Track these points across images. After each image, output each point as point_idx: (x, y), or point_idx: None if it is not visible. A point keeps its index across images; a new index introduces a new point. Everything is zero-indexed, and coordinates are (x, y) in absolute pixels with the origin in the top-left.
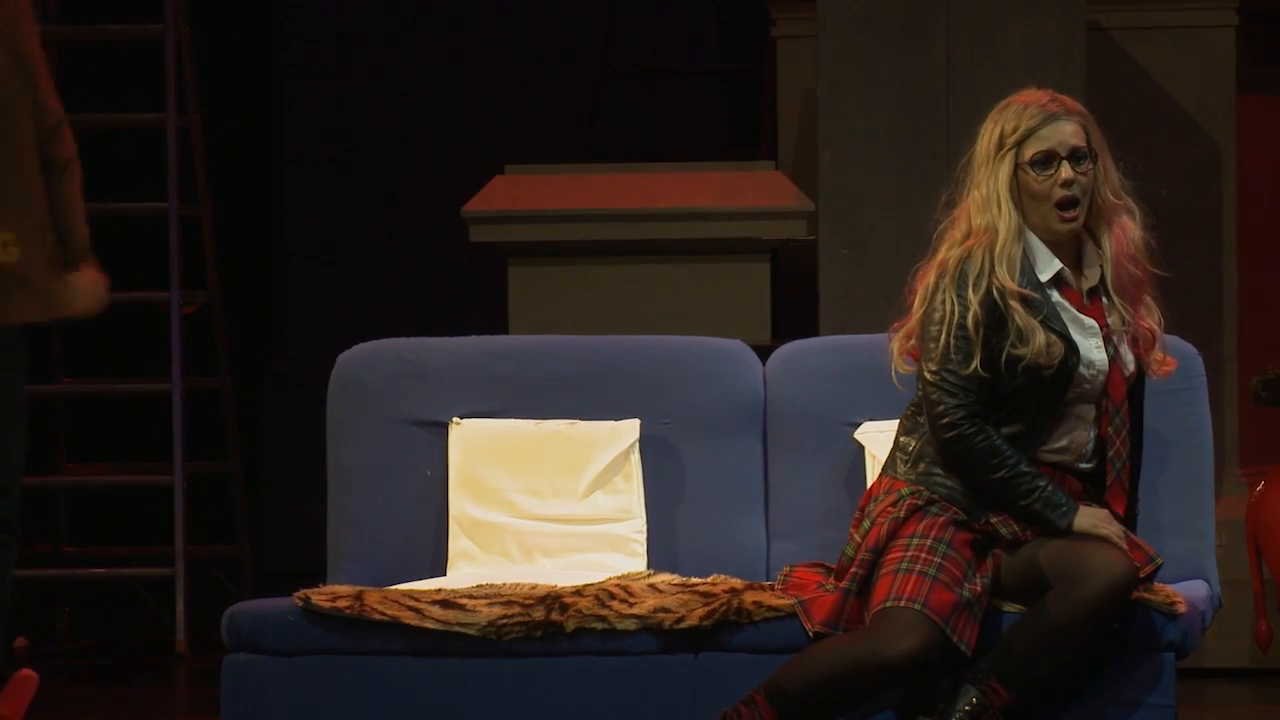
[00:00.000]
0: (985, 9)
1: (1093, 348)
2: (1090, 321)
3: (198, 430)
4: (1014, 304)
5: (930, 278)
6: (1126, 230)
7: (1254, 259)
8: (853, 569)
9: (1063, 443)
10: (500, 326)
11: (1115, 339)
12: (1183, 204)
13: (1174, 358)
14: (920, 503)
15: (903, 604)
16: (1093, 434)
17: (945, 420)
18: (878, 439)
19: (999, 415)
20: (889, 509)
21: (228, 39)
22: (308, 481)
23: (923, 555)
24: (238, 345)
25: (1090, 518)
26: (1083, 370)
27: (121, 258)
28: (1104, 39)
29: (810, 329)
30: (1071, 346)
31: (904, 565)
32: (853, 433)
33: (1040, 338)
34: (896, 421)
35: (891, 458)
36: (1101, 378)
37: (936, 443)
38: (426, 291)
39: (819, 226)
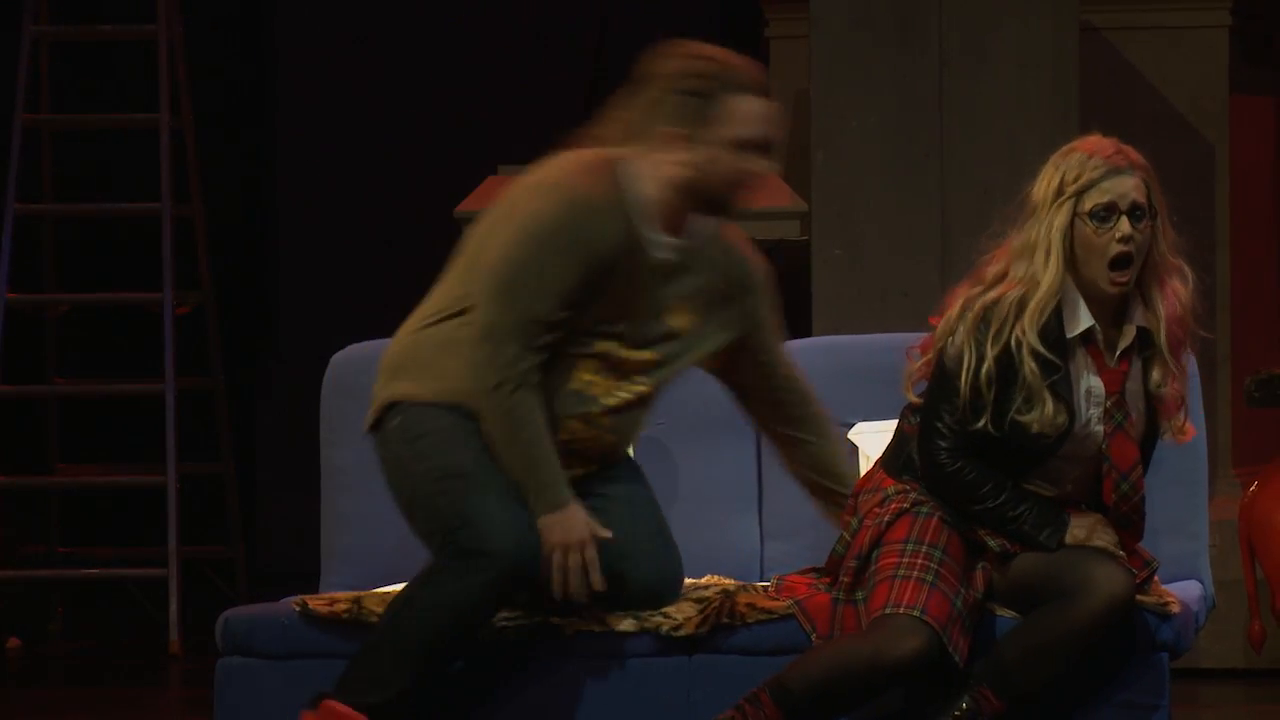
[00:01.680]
0: (978, 9)
1: (1093, 419)
2: (1099, 389)
3: (191, 431)
4: (1029, 359)
5: (955, 311)
6: (1179, 294)
7: (1247, 259)
8: (840, 577)
9: (1048, 494)
10: None
11: (1129, 405)
12: (1176, 204)
13: (1194, 427)
14: (906, 505)
15: (901, 610)
16: (1081, 490)
17: (931, 456)
18: (872, 439)
19: (990, 456)
20: (875, 509)
21: (221, 39)
22: (301, 482)
23: (919, 562)
24: (231, 346)
25: (1083, 529)
26: (1073, 439)
27: (115, 258)
28: (1097, 39)
29: (803, 329)
30: (1073, 416)
31: (900, 571)
32: (846, 433)
33: (1048, 407)
34: (888, 422)
35: (889, 449)
36: (1094, 449)
37: (925, 478)
38: (420, 292)
39: (812, 227)
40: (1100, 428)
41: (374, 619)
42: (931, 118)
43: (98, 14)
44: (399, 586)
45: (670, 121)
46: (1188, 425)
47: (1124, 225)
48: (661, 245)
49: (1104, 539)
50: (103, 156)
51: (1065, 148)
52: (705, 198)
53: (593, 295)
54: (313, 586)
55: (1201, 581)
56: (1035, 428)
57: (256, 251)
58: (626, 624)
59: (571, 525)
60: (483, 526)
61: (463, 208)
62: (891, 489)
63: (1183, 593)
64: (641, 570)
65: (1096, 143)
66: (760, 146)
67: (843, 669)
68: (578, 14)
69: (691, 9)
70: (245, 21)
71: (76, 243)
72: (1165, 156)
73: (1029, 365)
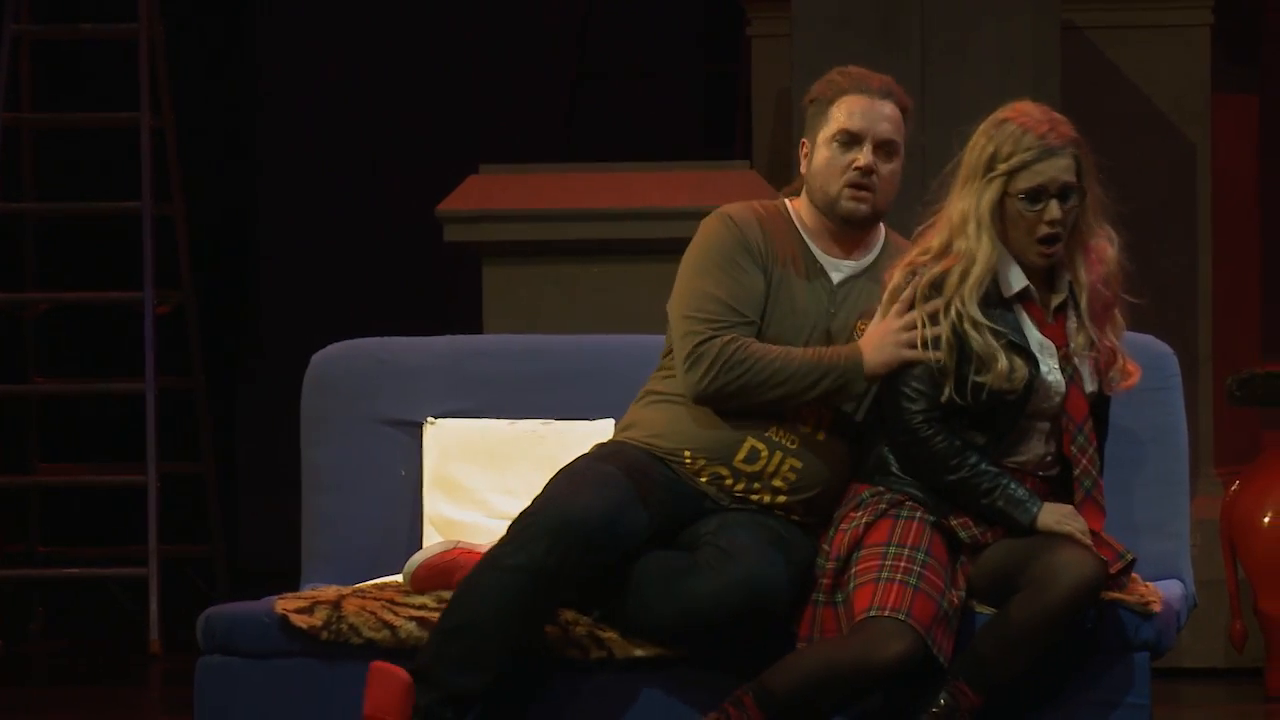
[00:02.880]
0: (960, 9)
1: (1051, 369)
2: (1048, 342)
3: (171, 430)
4: (970, 328)
5: (899, 277)
6: (1103, 255)
7: (1229, 257)
8: (820, 579)
9: (1023, 458)
10: (474, 326)
11: (1076, 359)
12: (1158, 202)
13: (1136, 365)
14: (884, 506)
15: (886, 614)
16: (1052, 447)
17: (902, 424)
18: None
19: (959, 423)
20: (851, 514)
21: (202, 38)
22: (282, 481)
23: (902, 564)
24: (211, 345)
25: (1054, 514)
26: (1038, 391)
27: (95, 257)
28: (1079, 38)
29: None
30: (1035, 365)
31: (884, 574)
32: None
33: (1001, 363)
34: None
35: (857, 456)
36: (1058, 399)
37: (895, 446)
38: (401, 291)
39: None
40: (1060, 377)
41: (356, 640)
42: (913, 116)
43: (78, 13)
44: (380, 580)
45: (804, 134)
46: (1129, 366)
47: (1053, 209)
48: (837, 266)
49: (1072, 525)
50: (83, 155)
51: (998, 115)
52: (825, 202)
53: (771, 305)
54: (293, 585)
55: (1183, 580)
56: (994, 384)
57: (237, 250)
58: (639, 651)
59: (877, 351)
60: (543, 501)
61: (444, 206)
62: (866, 493)
63: (1164, 592)
64: (694, 589)
65: (1029, 115)
66: (852, 138)
67: (827, 672)
68: (560, 13)
69: (674, 7)
70: (226, 20)
71: (57, 242)
72: (1147, 155)
73: (972, 333)
